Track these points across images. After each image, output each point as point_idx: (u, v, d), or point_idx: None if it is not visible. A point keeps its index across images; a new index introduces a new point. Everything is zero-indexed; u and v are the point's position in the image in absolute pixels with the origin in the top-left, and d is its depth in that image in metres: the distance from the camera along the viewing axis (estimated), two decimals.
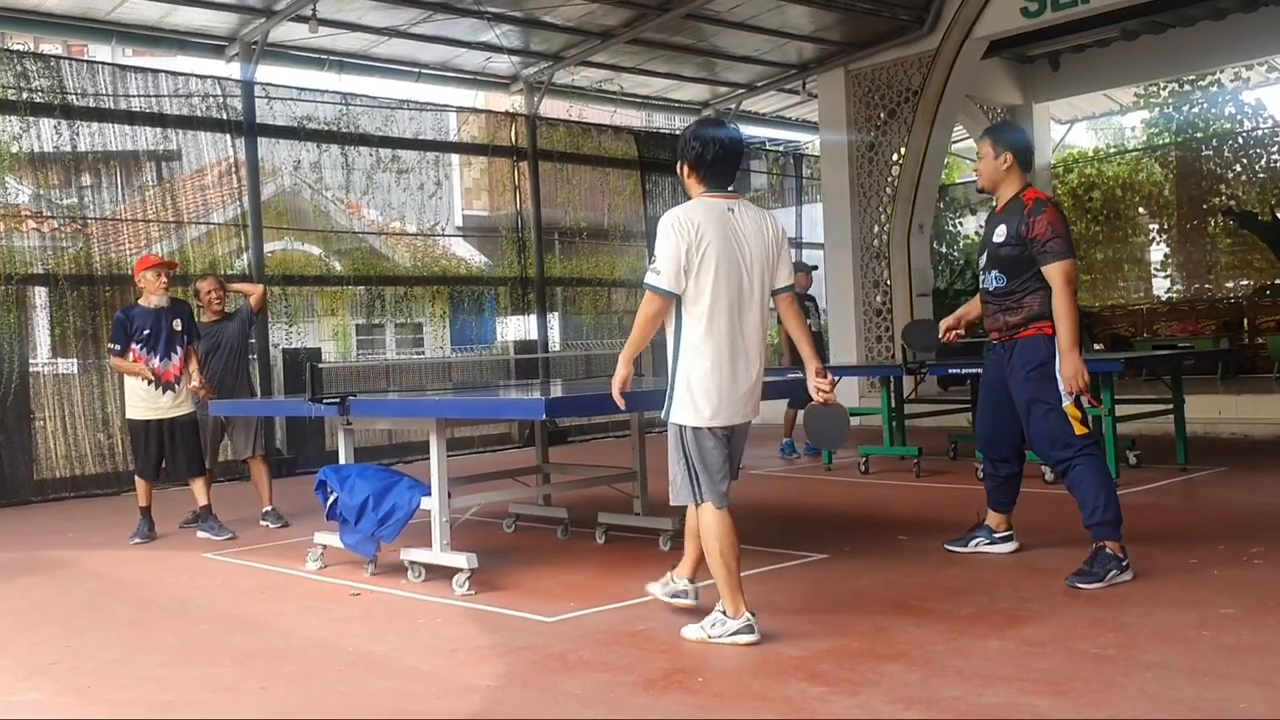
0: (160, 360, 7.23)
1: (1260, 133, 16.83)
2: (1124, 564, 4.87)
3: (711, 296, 4.10)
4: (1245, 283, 16.75)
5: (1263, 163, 16.64)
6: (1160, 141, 18.36)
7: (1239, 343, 14.53)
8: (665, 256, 4.10)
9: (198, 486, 7.38)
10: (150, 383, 7.21)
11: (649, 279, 4.14)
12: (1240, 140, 16.97)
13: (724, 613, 4.17)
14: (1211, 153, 17.11)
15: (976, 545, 5.67)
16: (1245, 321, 14.95)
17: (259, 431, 7.91)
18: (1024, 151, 5.26)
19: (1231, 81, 16.87)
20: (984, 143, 5.30)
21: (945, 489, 8.03)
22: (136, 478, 7.45)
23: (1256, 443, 10.13)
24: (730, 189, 4.29)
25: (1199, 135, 17.43)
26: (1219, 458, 8.91)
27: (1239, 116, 17.24)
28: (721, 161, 4.23)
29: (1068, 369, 4.95)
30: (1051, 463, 5.19)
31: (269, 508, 7.74)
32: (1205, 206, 16.89)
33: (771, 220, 4.32)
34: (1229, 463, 8.52)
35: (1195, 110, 17.64)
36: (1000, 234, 5.16)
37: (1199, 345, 13.95)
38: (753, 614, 4.16)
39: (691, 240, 4.07)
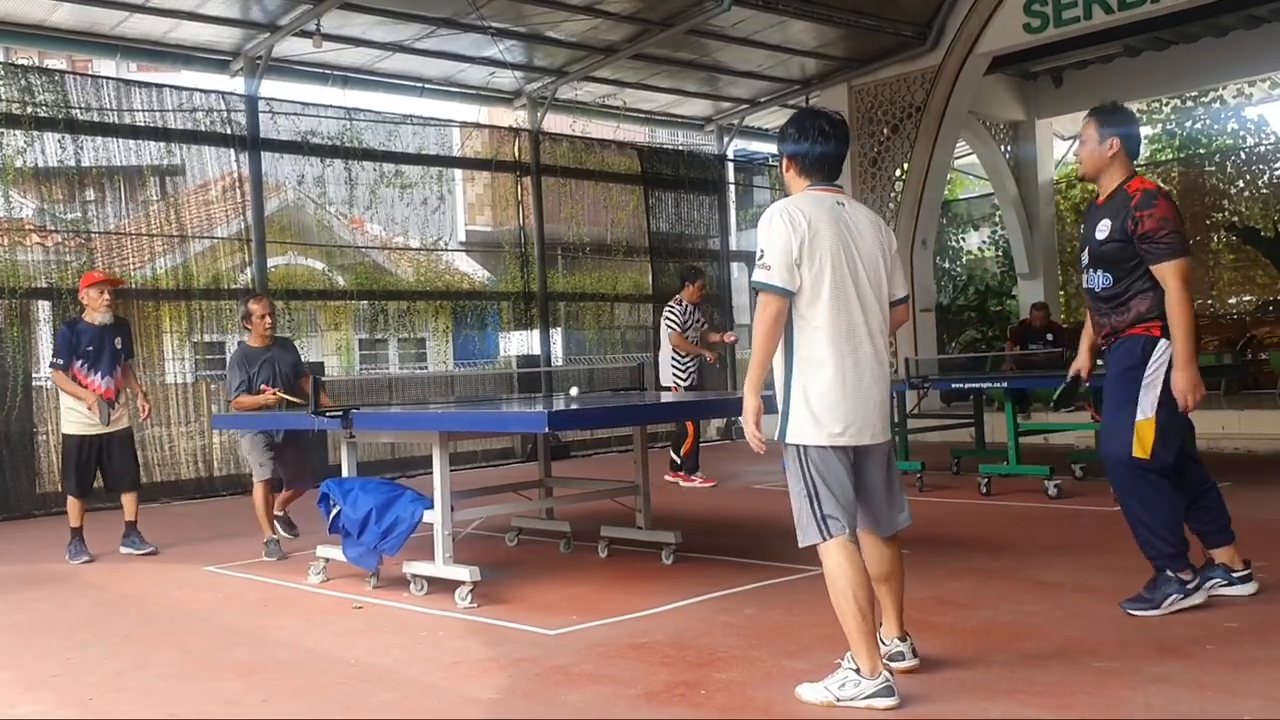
0: (102, 378, 7.29)
1: (1263, 149, 16.86)
2: (1188, 586, 4.46)
3: (830, 296, 3.59)
4: (1248, 298, 16.74)
5: (1265, 179, 16.66)
6: (1163, 157, 18.38)
7: (1242, 358, 14.52)
8: (774, 250, 3.58)
9: (129, 500, 7.44)
10: (91, 408, 7.20)
11: (758, 276, 3.60)
12: (1243, 156, 17.00)
13: (855, 670, 3.53)
14: (1214, 168, 17.14)
15: (1211, 587, 4.69)
16: (1248, 337, 14.93)
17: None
18: (1132, 139, 4.67)
19: (1234, 98, 16.91)
20: (1088, 125, 4.68)
21: (948, 504, 8.02)
22: (69, 498, 7.41)
23: (1259, 458, 10.10)
24: (837, 184, 3.81)
25: (1202, 151, 17.45)
26: (1222, 473, 8.81)
27: (1241, 132, 17.27)
28: (826, 151, 3.73)
29: (1182, 382, 4.44)
30: (1110, 476, 4.66)
31: (279, 513, 7.67)
32: (1208, 222, 16.89)
33: (884, 222, 3.86)
34: (1232, 478, 8.49)
35: (1198, 126, 17.68)
36: (1104, 229, 4.56)
37: (1201, 360, 13.78)
38: (889, 671, 3.57)
39: (804, 231, 3.58)
